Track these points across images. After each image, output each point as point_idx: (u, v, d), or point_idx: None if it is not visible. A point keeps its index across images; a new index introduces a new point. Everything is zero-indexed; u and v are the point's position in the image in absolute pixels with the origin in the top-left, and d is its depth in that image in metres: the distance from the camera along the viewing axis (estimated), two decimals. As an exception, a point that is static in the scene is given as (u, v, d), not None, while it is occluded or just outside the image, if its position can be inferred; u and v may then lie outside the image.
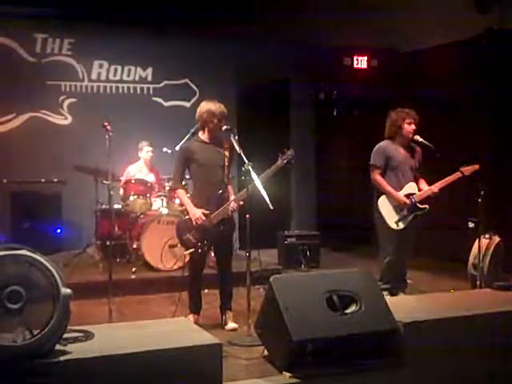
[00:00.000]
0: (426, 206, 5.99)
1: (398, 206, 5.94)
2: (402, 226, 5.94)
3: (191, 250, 5.35)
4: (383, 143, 6.10)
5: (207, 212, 5.28)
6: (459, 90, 8.43)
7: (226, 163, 5.38)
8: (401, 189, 5.98)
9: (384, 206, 5.99)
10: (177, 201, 7.86)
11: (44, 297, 3.13)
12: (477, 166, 5.90)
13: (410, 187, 6.01)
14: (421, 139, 5.99)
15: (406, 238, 6.00)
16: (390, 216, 5.96)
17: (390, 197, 5.96)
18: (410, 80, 9.35)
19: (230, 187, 5.46)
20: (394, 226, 5.94)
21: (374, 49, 9.86)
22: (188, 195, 5.72)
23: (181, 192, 5.51)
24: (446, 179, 5.94)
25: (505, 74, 7.99)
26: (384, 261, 6.01)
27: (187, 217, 5.39)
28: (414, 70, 9.37)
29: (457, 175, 5.91)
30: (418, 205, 5.95)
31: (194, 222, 5.28)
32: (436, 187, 5.96)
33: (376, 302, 4.18)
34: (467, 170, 5.90)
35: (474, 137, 8.21)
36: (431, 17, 8.38)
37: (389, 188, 5.95)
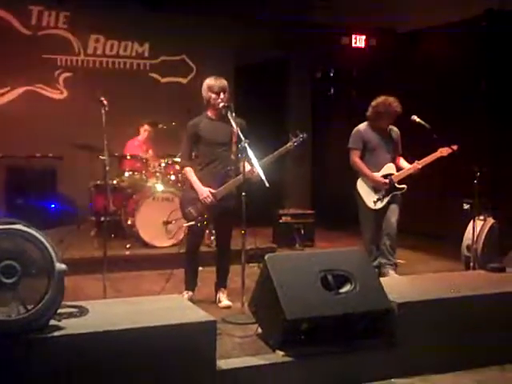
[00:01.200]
0: (404, 186, 6.19)
1: (376, 187, 6.16)
2: (379, 205, 6.17)
3: (191, 223, 5.34)
4: (361, 126, 6.32)
5: (214, 191, 5.26)
6: (458, 70, 8.41)
7: (234, 140, 5.33)
8: (379, 170, 6.19)
9: (362, 186, 6.24)
10: (172, 177, 7.85)
11: (39, 272, 3.13)
12: (455, 147, 6.07)
13: (388, 168, 6.22)
14: (418, 119, 6.04)
15: (386, 217, 6.18)
16: (368, 196, 6.19)
17: (367, 178, 6.17)
18: (408, 60, 9.31)
19: (241, 163, 5.23)
20: (371, 206, 6.18)
21: (372, 28, 9.80)
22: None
23: (189, 170, 5.38)
24: (427, 158, 6.15)
25: (504, 54, 7.95)
26: (365, 239, 6.27)
27: (191, 190, 5.36)
28: (412, 50, 9.33)
29: (437, 154, 6.11)
30: (396, 185, 6.16)
31: (201, 201, 5.27)
32: (419, 164, 6.14)
33: (370, 281, 4.19)
34: (445, 150, 6.08)
35: (471, 117, 8.19)
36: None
37: (366, 170, 6.17)
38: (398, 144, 6.36)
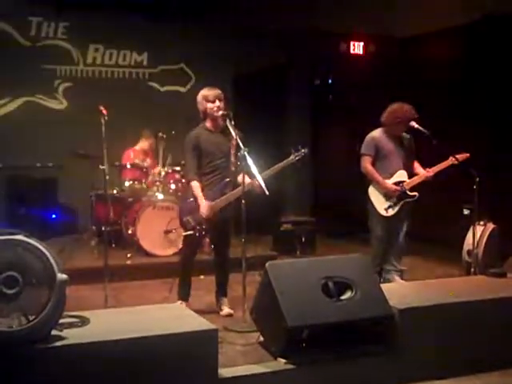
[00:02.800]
0: (416, 194, 6.14)
1: (388, 194, 6.10)
2: (391, 212, 6.11)
3: (189, 233, 5.35)
4: (374, 133, 6.25)
5: (214, 203, 5.25)
6: (456, 75, 8.43)
7: (232, 151, 5.34)
8: (391, 177, 6.13)
9: (374, 193, 6.18)
10: (172, 186, 7.85)
11: (40, 282, 3.13)
12: (467, 155, 6.04)
13: (400, 175, 6.16)
14: (416, 125, 6.03)
15: (397, 224, 6.16)
16: (380, 203, 6.13)
17: (378, 185, 6.13)
18: (407, 66, 9.33)
19: (241, 175, 5.22)
20: (383, 213, 6.11)
21: (370, 34, 9.83)
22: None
23: (195, 184, 5.30)
24: (439, 165, 6.11)
25: (501, 59, 7.97)
26: (374, 246, 6.20)
27: (191, 199, 5.37)
28: (411, 55, 9.35)
29: (449, 162, 6.07)
30: (408, 192, 6.11)
31: (202, 214, 5.27)
32: (431, 171, 6.11)
33: (371, 288, 4.19)
34: (459, 157, 6.02)
35: (471, 123, 8.20)
36: (429, 2, 8.35)
37: (377, 176, 6.11)
38: (412, 151, 6.29)
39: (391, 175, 6.13)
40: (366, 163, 6.16)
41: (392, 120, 6.13)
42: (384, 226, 6.14)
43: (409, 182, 6.12)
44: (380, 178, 6.10)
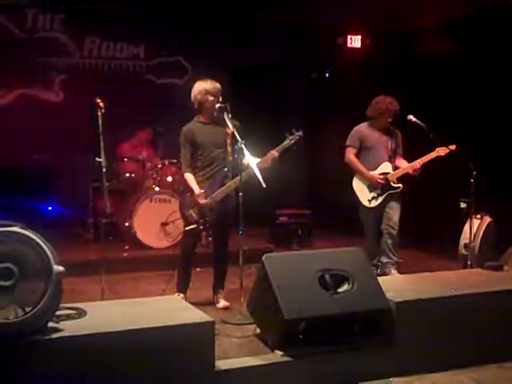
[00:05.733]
0: (400, 185, 6.22)
1: (372, 185, 6.19)
2: (374, 203, 6.20)
3: (193, 226, 5.35)
4: (359, 126, 6.40)
5: (206, 196, 5.27)
6: (453, 69, 8.42)
7: (229, 141, 5.34)
8: (375, 169, 6.22)
9: (357, 184, 6.29)
10: (169, 178, 7.85)
11: (36, 274, 3.12)
12: (453, 147, 6.08)
13: (385, 167, 6.25)
14: (414, 119, 6.07)
15: (389, 215, 6.22)
16: (363, 194, 6.24)
17: (362, 176, 6.21)
18: (404, 59, 9.32)
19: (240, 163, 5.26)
20: (366, 204, 6.23)
21: (367, 28, 9.80)
22: None
23: (188, 176, 5.36)
24: (425, 157, 6.16)
25: (498, 52, 7.96)
26: (366, 237, 6.32)
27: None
28: (408, 49, 9.33)
29: (434, 154, 6.12)
30: (392, 184, 6.18)
31: (201, 204, 5.27)
32: (417, 162, 6.15)
33: (368, 280, 4.19)
34: (443, 150, 6.09)
35: (468, 116, 8.20)
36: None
37: (361, 167, 6.22)
38: (398, 145, 6.38)
39: (376, 167, 6.23)
40: (349, 154, 6.30)
41: (374, 112, 6.25)
42: (372, 217, 6.25)
43: (393, 174, 6.21)
44: (363, 169, 6.21)
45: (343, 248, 4.63)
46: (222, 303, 5.42)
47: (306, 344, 3.93)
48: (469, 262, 5.99)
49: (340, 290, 4.08)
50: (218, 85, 5.36)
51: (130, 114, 8.31)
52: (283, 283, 3.94)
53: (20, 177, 8.36)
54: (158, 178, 7.79)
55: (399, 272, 6.23)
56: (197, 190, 5.27)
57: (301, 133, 5.40)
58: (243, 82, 9.64)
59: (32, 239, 3.14)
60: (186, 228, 5.42)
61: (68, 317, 3.44)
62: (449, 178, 7.52)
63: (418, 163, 6.14)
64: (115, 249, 7.22)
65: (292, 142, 5.37)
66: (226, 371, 3.68)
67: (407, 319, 4.13)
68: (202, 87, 5.34)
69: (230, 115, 5.18)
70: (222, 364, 3.70)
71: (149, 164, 7.96)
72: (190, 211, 5.35)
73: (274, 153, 5.29)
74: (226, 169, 5.35)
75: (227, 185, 5.30)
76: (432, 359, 4.16)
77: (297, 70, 10.50)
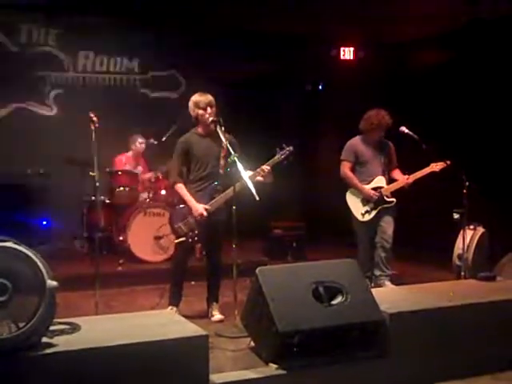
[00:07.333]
0: (393, 200, 6.27)
1: (365, 199, 6.25)
2: (367, 217, 6.26)
3: (182, 239, 5.35)
4: (353, 140, 6.44)
5: (209, 207, 5.28)
6: (447, 80, 8.46)
7: (222, 154, 5.36)
8: (369, 182, 6.27)
9: (351, 198, 6.34)
10: (163, 192, 7.85)
11: (30, 289, 3.12)
12: (448, 162, 6.11)
13: (378, 181, 6.30)
14: (406, 130, 6.11)
15: (382, 229, 6.26)
16: (357, 208, 6.29)
17: (357, 190, 6.26)
18: (398, 71, 9.36)
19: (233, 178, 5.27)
20: (359, 218, 6.27)
21: (360, 40, 9.86)
22: None
23: (180, 186, 5.37)
24: (419, 172, 6.22)
25: (493, 63, 8.01)
26: (359, 250, 6.37)
27: (181, 206, 5.38)
28: (402, 61, 9.38)
29: (428, 169, 6.17)
30: (386, 198, 6.23)
31: (194, 217, 5.28)
32: (410, 178, 6.21)
33: (362, 293, 4.20)
34: (438, 165, 6.13)
35: (461, 127, 8.24)
36: (419, 7, 8.37)
37: (356, 181, 6.27)
38: (392, 157, 6.43)
39: (370, 181, 6.27)
40: (345, 168, 6.35)
41: (367, 126, 6.29)
42: (364, 231, 6.30)
43: (387, 188, 6.26)
44: (358, 184, 6.25)
45: (337, 260, 4.64)
46: (217, 316, 5.42)
47: (301, 357, 3.93)
48: (462, 273, 6.02)
49: (334, 302, 4.09)
50: (208, 96, 5.37)
51: (124, 128, 8.31)
52: (277, 296, 3.94)
53: (14, 191, 8.35)
54: (152, 192, 7.80)
55: (393, 284, 6.24)
56: (195, 205, 5.26)
57: (291, 148, 5.40)
58: (237, 95, 9.66)
59: (26, 254, 3.14)
60: (175, 241, 5.43)
61: (62, 332, 3.44)
62: (442, 189, 7.55)
63: (410, 179, 6.17)
64: (109, 263, 7.21)
65: (282, 156, 5.37)
66: (221, 385, 3.68)
67: (401, 331, 4.13)
68: (192, 101, 5.39)
69: (223, 128, 5.20)
70: (216, 378, 3.69)
71: (143, 177, 7.97)
72: (180, 224, 5.36)
73: (265, 167, 5.29)
74: (216, 182, 5.35)
75: (217, 198, 5.31)
76: (426, 370, 4.16)
77: (291, 82, 10.54)
